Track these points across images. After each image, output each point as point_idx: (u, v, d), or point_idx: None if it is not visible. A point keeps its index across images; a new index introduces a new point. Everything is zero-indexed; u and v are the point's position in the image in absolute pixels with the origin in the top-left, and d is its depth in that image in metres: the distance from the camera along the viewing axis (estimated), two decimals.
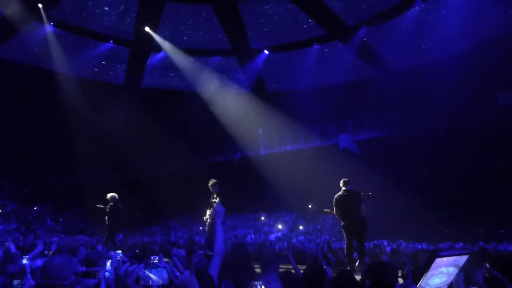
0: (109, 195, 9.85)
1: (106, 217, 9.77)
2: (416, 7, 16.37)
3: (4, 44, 17.35)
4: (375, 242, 11.30)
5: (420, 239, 13.74)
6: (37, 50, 17.86)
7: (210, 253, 5.63)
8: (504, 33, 16.02)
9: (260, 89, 21.64)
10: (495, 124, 15.86)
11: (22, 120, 18.75)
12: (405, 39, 17.25)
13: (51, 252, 6.16)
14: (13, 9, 15.68)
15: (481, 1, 15.33)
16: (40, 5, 16.11)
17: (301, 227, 20.01)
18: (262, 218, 22.20)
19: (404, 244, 11.86)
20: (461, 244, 11.07)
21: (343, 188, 7.59)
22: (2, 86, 17.19)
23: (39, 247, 5.33)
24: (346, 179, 7.68)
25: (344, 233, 7.64)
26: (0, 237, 13.32)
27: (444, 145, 16.85)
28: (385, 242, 11.92)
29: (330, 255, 7.70)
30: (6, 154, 19.59)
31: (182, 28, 19.03)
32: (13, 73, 17.45)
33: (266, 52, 19.90)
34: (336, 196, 7.63)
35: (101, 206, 9.75)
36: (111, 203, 9.77)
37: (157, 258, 2.89)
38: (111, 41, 18.75)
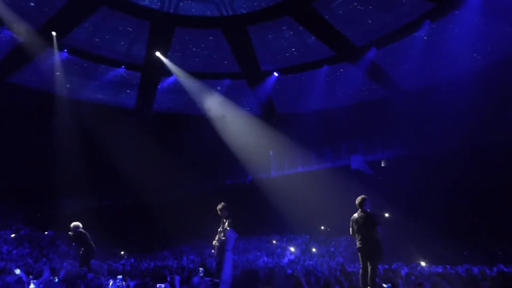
0: (72, 225, 9.81)
1: (80, 245, 9.81)
2: (426, 27, 16.39)
3: (19, 71, 17.81)
4: (386, 266, 10.97)
5: (437, 262, 13.33)
6: (50, 76, 18.27)
7: (217, 280, 5.50)
8: None
9: (270, 111, 21.70)
10: (509, 143, 15.54)
11: (35, 145, 19.02)
12: (415, 58, 17.23)
13: (56, 278, 6.12)
14: (28, 37, 16.14)
15: (491, 20, 15.28)
16: (54, 33, 16.56)
17: (314, 250, 19.63)
18: (274, 241, 21.88)
19: (419, 267, 11.49)
20: (479, 266, 10.69)
21: (359, 209, 7.37)
22: (17, 112, 17.54)
23: (46, 274, 5.28)
24: (361, 198, 7.41)
25: (359, 256, 7.39)
26: (12, 262, 13.35)
27: (457, 164, 16.51)
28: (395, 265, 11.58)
29: (343, 279, 7.47)
30: (20, 180, 19.85)
31: (192, 52, 19.31)
32: (26, 99, 17.83)
33: (275, 74, 20.02)
34: (352, 217, 7.43)
35: (70, 233, 9.76)
36: (74, 232, 9.71)
37: (163, 286, 2.80)
38: (123, 66, 19.10)
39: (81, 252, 9.75)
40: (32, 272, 9.15)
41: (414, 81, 18.62)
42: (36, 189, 20.55)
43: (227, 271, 3.07)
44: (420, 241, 15.29)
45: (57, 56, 17.59)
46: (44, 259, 16.80)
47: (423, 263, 13.57)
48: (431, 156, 17.34)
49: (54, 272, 7.88)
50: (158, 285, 2.88)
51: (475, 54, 16.41)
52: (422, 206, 16.59)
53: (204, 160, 21.46)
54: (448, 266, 11.57)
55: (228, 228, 7.57)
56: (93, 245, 9.65)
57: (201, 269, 8.68)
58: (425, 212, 16.12)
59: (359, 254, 7.35)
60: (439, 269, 11.11)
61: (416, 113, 17.96)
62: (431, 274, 9.22)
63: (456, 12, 15.57)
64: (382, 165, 19.94)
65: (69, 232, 9.81)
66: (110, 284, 3.71)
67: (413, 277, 7.26)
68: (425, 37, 16.80)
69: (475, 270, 9.89)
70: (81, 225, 9.80)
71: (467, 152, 16.66)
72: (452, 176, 16.52)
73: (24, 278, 5.75)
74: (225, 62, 19.53)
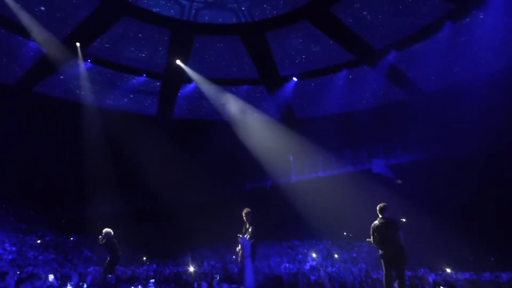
0: (104, 231, 10.03)
1: (107, 251, 9.98)
2: (447, 29, 16.16)
3: (46, 81, 18.33)
4: (410, 273, 10.80)
5: (463, 268, 13.05)
6: (75, 86, 18.73)
7: (241, 287, 5.55)
8: None
9: (289, 116, 21.70)
10: None
11: (60, 153, 19.49)
12: (436, 60, 17.01)
13: (85, 284, 6.25)
14: (53, 48, 16.62)
15: (510, 22, 14.96)
16: (78, 44, 17.01)
17: (336, 255, 19.45)
18: (296, 246, 21.78)
19: (444, 274, 11.27)
20: (508, 274, 10.41)
21: (380, 216, 7.35)
22: (43, 120, 18.03)
23: (74, 280, 5.42)
24: (382, 205, 7.41)
25: (382, 263, 7.34)
26: (39, 268, 13.66)
27: (482, 167, 16.13)
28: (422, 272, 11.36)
29: (366, 286, 7.39)
30: (45, 186, 20.33)
31: (211, 59, 19.52)
32: (53, 108, 18.33)
33: (294, 79, 20.03)
34: (373, 224, 7.41)
35: (101, 238, 9.92)
36: (106, 238, 9.90)
37: None
38: (144, 75, 19.43)
39: (108, 258, 9.93)
40: (59, 278, 9.39)
41: (434, 83, 18.36)
42: (61, 195, 21.01)
43: (249, 277, 3.13)
44: (444, 246, 14.99)
45: (82, 66, 18.06)
46: (69, 265, 17.14)
47: (448, 270, 13.31)
48: (454, 159, 17.00)
49: (81, 277, 8.06)
50: None
51: (497, 55, 16.06)
52: (446, 210, 16.26)
53: (224, 165, 21.58)
54: (473, 273, 11.33)
55: (248, 234, 7.61)
56: (120, 252, 9.84)
57: (216, 275, 8.75)
58: (450, 216, 15.80)
59: (382, 261, 7.30)
60: (466, 276, 10.89)
61: (437, 116, 17.67)
62: (458, 280, 9.05)
63: (478, 12, 15.30)
64: (404, 168, 19.66)
65: (100, 237, 10.02)
66: None
67: (441, 284, 7.14)
68: (446, 39, 16.54)
69: (504, 277, 9.66)
70: (112, 233, 10.03)
71: (490, 155, 16.28)
72: (476, 180, 16.16)
73: (55, 284, 5.90)
74: (244, 68, 19.66)
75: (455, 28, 16.28)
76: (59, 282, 7.19)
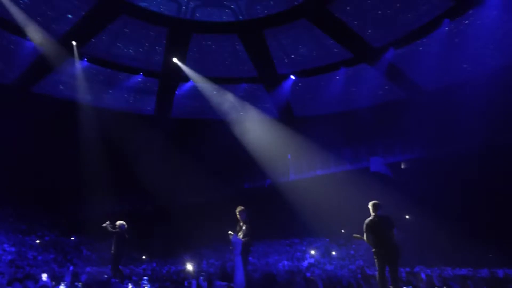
0: (118, 222, 9.82)
1: (113, 245, 9.69)
2: (445, 27, 16.11)
3: (42, 80, 18.31)
4: (408, 269, 10.79)
5: (460, 265, 13.04)
6: (72, 85, 18.71)
7: (233, 285, 5.53)
8: None
9: (288, 115, 21.66)
10: None
11: (59, 152, 19.45)
12: (434, 59, 16.95)
13: (80, 283, 6.24)
14: (49, 48, 16.58)
15: (509, 20, 14.91)
16: (74, 43, 16.98)
17: (334, 253, 19.46)
18: (294, 244, 21.79)
19: (438, 270, 11.25)
20: (505, 270, 10.39)
21: (373, 213, 7.35)
22: (41, 120, 18.00)
23: (67, 279, 5.40)
24: (375, 202, 7.41)
25: (375, 260, 7.31)
26: (38, 268, 13.66)
27: (479, 165, 16.12)
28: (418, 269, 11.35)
29: (363, 283, 7.39)
30: (45, 186, 20.32)
31: (209, 57, 19.49)
32: (50, 107, 18.28)
33: (292, 77, 19.99)
34: (366, 221, 7.39)
35: (109, 224, 9.65)
36: (120, 228, 9.70)
37: None
38: (141, 73, 19.40)
39: (113, 253, 9.62)
40: (56, 278, 9.33)
41: (433, 81, 18.31)
42: (60, 195, 21.00)
43: (239, 275, 3.11)
44: (442, 243, 14.99)
45: (78, 65, 18.03)
46: (68, 264, 17.16)
47: (445, 266, 13.30)
48: (451, 157, 16.99)
49: (76, 277, 8.01)
50: None
51: (496, 53, 16.01)
52: (443, 208, 16.24)
53: (222, 164, 21.55)
54: (471, 269, 11.32)
55: (241, 233, 7.60)
56: (126, 249, 9.65)
57: (202, 273, 8.76)
58: (446, 214, 15.78)
59: (376, 257, 7.29)
60: (463, 272, 10.88)
61: (436, 114, 17.63)
62: (455, 276, 9.04)
63: (476, 10, 15.25)
64: (402, 167, 19.65)
65: (116, 227, 9.69)
66: None
67: (434, 280, 7.14)
68: (445, 36, 16.49)
69: (500, 273, 9.65)
70: (126, 226, 9.82)
71: (488, 153, 16.26)
72: (473, 178, 16.17)
73: (49, 284, 5.88)
74: (242, 66, 19.62)
75: (453, 26, 16.24)
76: (53, 282, 7.17)
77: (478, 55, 16.24)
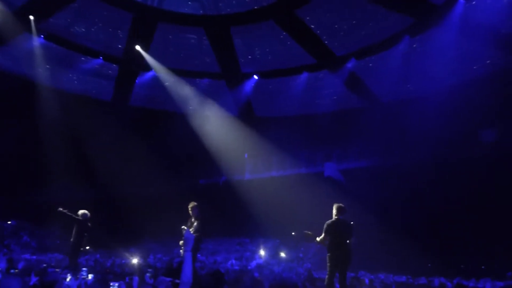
0: (80, 212, 9.58)
1: (73, 234, 9.47)
2: (405, 43, 16.72)
3: None
4: (352, 274, 11.10)
5: (400, 272, 13.57)
6: (25, 61, 17.75)
7: (177, 281, 5.45)
8: (489, 73, 16.44)
9: (248, 113, 21.67)
10: (476, 160, 16.06)
11: (11, 133, 18.37)
12: (393, 72, 17.54)
13: (16, 270, 5.91)
14: (3, 20, 15.64)
15: (468, 41, 15.72)
16: (31, 17, 16.11)
17: (283, 254, 19.69)
18: (245, 243, 21.84)
19: (382, 276, 11.67)
20: (442, 279, 10.95)
21: (336, 216, 7.34)
22: None
23: (1, 265, 5.09)
24: (340, 206, 7.41)
25: (328, 264, 7.21)
26: None
27: (428, 177, 16.92)
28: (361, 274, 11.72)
29: (308, 285, 7.50)
30: None
31: (173, 48, 19.13)
32: (2, 82, 17.24)
33: (255, 77, 20.02)
34: (328, 222, 7.29)
35: (64, 210, 9.31)
36: (81, 218, 9.47)
37: (116, 285, 2.74)
38: (101, 58, 18.72)
39: (72, 240, 9.40)
40: None
41: (391, 94, 18.97)
42: (10, 178, 19.83)
43: (187, 272, 3.04)
44: (386, 251, 15.53)
45: (35, 41, 17.11)
46: (5, 250, 16.29)
47: (388, 273, 13.80)
48: (402, 167, 17.70)
49: (11, 263, 7.60)
50: (112, 283, 2.81)
51: (450, 72, 16.83)
52: (389, 216, 16.89)
53: (178, 157, 21.24)
54: (410, 277, 11.82)
55: (193, 228, 7.52)
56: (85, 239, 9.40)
57: (150, 270, 8.64)
58: (392, 222, 16.41)
59: (329, 261, 7.20)
60: (403, 279, 11.34)
61: (391, 125, 18.28)
62: (394, 283, 9.39)
63: (435, 30, 15.96)
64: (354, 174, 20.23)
65: (79, 216, 9.43)
66: (68, 279, 3.59)
67: (376, 285, 7.37)
68: (404, 52, 17.13)
69: (436, 282, 10.13)
70: (89, 215, 9.59)
71: (438, 166, 17.09)
72: (421, 189, 16.92)
73: None
74: (206, 61, 19.42)
75: (413, 42, 16.90)
76: None
77: (433, 73, 16.99)
